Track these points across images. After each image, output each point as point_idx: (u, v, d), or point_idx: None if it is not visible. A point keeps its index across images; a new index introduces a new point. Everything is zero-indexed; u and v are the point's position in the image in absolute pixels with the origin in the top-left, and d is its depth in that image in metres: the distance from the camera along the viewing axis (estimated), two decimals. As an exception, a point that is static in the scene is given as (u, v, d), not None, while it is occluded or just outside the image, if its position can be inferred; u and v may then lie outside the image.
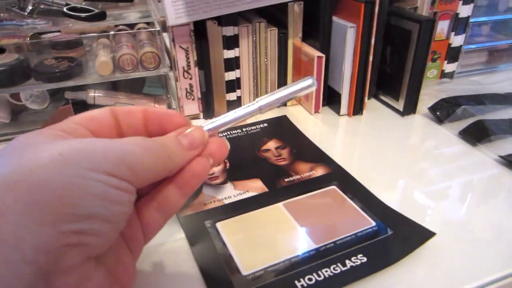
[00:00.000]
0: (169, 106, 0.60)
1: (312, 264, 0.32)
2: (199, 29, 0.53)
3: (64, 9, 0.51)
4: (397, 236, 0.35)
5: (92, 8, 0.51)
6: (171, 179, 0.28)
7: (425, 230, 0.35)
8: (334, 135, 0.55)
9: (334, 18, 0.56)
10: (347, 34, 0.53)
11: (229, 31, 0.54)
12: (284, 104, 0.62)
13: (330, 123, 0.58)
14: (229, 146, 0.31)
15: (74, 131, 0.26)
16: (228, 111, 0.60)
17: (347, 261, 0.32)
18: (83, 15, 0.50)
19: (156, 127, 0.29)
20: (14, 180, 0.20)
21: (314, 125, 0.57)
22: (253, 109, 0.32)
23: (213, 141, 0.30)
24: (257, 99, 0.32)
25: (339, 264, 0.32)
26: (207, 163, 0.29)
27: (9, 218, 0.19)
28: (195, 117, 0.58)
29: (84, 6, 0.52)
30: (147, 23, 0.63)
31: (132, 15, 0.59)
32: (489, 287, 0.32)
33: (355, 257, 0.33)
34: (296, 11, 0.56)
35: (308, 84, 0.32)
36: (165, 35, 0.56)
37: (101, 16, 0.51)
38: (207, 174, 0.30)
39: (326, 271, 0.31)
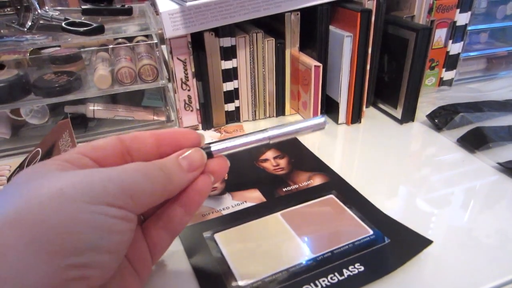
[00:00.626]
0: (168, 118, 0.60)
1: (309, 274, 0.32)
2: (197, 41, 0.53)
3: (63, 24, 0.51)
4: (394, 245, 0.35)
5: (90, 23, 0.52)
6: (175, 198, 0.29)
7: (423, 238, 0.35)
8: (333, 144, 0.55)
9: (331, 28, 0.56)
10: (344, 43, 0.53)
11: (227, 42, 0.55)
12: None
13: (328, 132, 0.58)
14: (229, 164, 0.32)
15: (78, 161, 0.26)
16: (226, 122, 0.61)
17: (344, 270, 0.32)
18: (82, 29, 0.51)
19: (170, 147, 0.30)
20: (15, 219, 0.21)
21: (313, 134, 0.57)
22: (262, 137, 0.32)
23: (215, 160, 0.31)
24: (267, 128, 0.32)
25: (336, 274, 0.32)
26: (208, 180, 0.30)
27: (10, 256, 0.20)
28: (194, 128, 0.59)
29: (82, 21, 0.53)
30: (146, 36, 0.64)
31: (131, 28, 0.59)
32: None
33: (352, 266, 0.33)
34: (293, 21, 0.56)
35: (319, 122, 0.32)
36: (163, 47, 0.56)
37: (99, 30, 0.52)
38: (209, 191, 0.30)
39: (324, 281, 0.31)
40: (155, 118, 0.59)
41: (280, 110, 0.62)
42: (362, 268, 0.32)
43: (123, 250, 0.25)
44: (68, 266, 0.21)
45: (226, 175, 0.46)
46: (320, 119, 0.32)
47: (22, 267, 0.20)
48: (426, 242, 0.35)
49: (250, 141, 0.32)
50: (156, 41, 0.54)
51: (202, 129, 0.59)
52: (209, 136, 0.57)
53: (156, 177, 0.26)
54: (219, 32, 0.53)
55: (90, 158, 0.27)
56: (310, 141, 0.54)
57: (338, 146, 0.55)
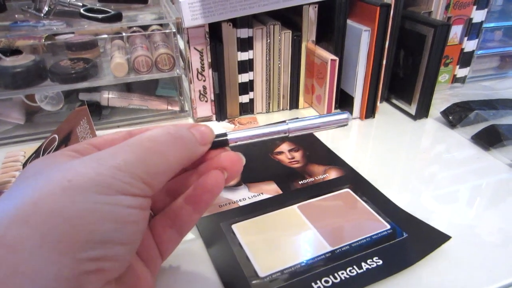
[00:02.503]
0: (182, 108, 0.60)
1: (328, 267, 0.32)
2: (214, 31, 0.53)
3: (81, 10, 0.51)
4: (412, 239, 0.35)
5: (108, 10, 0.52)
6: (184, 195, 0.28)
7: (441, 233, 0.35)
8: (346, 138, 0.55)
9: (349, 21, 0.56)
10: (362, 37, 0.53)
11: (244, 33, 0.54)
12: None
13: (342, 127, 0.58)
14: (243, 161, 0.30)
15: (88, 152, 0.25)
16: (240, 113, 0.61)
17: (363, 264, 0.33)
18: (100, 16, 0.51)
19: None
20: (27, 213, 0.20)
21: (327, 128, 0.57)
22: (280, 129, 0.31)
23: (226, 155, 0.29)
24: (286, 120, 0.31)
25: (355, 267, 0.32)
26: (220, 177, 0.28)
27: (26, 250, 0.19)
28: (208, 119, 0.59)
29: (100, 8, 0.52)
30: (160, 25, 0.63)
31: (146, 17, 0.59)
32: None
33: (371, 260, 0.33)
34: (311, 13, 0.56)
35: (342, 118, 0.31)
36: (179, 37, 0.56)
37: (118, 17, 0.52)
38: (221, 189, 0.29)
39: (342, 274, 0.32)
40: (169, 108, 0.59)
41: (294, 103, 0.62)
42: (381, 262, 0.33)
43: (138, 240, 0.24)
44: (83, 259, 0.20)
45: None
46: (343, 115, 0.32)
47: (38, 260, 0.19)
48: (445, 238, 0.35)
49: (268, 133, 0.31)
50: (174, 30, 0.54)
51: (216, 120, 0.59)
52: (222, 127, 0.57)
53: (172, 152, 0.25)
54: (236, 23, 0.53)
55: (99, 150, 0.26)
56: (323, 135, 0.54)
57: (352, 140, 0.55)
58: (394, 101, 0.64)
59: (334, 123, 0.32)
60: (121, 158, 0.23)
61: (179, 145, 0.26)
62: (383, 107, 0.63)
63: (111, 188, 0.22)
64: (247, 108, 0.60)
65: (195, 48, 0.53)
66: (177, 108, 0.60)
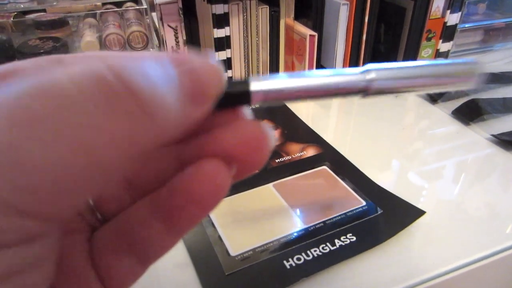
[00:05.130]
0: (159, 87, 0.58)
1: (301, 244, 0.32)
2: (188, 7, 0.51)
3: (48, -13, 0.49)
4: (387, 215, 0.35)
5: (76, -14, 0.50)
6: (155, 208, 0.15)
7: (415, 208, 0.35)
8: (327, 115, 0.55)
9: (327, -4, 0.54)
10: (340, 11, 0.52)
11: (219, 9, 0.53)
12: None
13: (322, 104, 0.57)
14: (273, 140, 0.15)
15: None
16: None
17: (336, 241, 0.32)
18: (67, -8, 0.49)
19: None
20: None
21: (307, 106, 0.56)
22: (356, 79, 0.15)
23: (240, 130, 0.14)
24: (366, 66, 0.15)
25: (328, 244, 0.32)
26: (221, 175, 0.14)
27: None
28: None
29: (68, -16, 0.50)
30: (136, 2, 0.61)
31: (119, -7, 0.57)
32: (480, 263, 0.32)
33: (344, 237, 0.32)
34: (287, -12, 0.54)
35: (470, 70, 0.16)
36: (153, 14, 0.54)
37: (86, -7, 0.50)
38: (222, 197, 0.14)
39: (315, 251, 0.31)
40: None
41: (273, 81, 0.61)
42: (354, 239, 0.32)
43: None
44: None
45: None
46: (472, 65, 0.16)
47: None
48: (419, 213, 0.35)
49: (335, 86, 0.15)
50: (145, 7, 0.52)
51: (194, 99, 0.57)
52: (200, 106, 0.56)
53: (104, 112, 0.10)
54: (211, -2, 0.51)
55: None
56: (304, 113, 0.53)
57: (332, 117, 0.55)
58: (376, 77, 0.63)
59: (456, 80, 0.16)
60: None
61: (130, 106, 0.11)
62: (364, 84, 0.62)
63: None
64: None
65: (168, 25, 0.52)
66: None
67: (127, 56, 0.12)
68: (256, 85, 0.14)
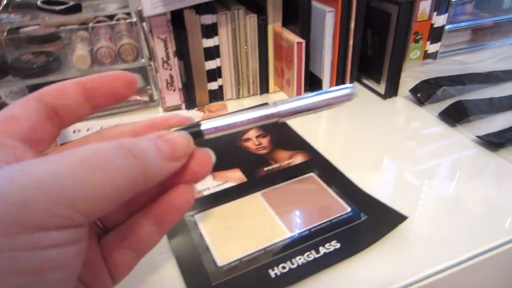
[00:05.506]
0: (151, 98, 0.59)
1: (286, 253, 0.33)
2: (177, 18, 0.52)
3: (38, 3, 0.50)
4: (370, 221, 0.36)
5: (66, 1, 0.51)
6: (147, 212, 0.22)
7: (398, 214, 0.36)
8: (316, 120, 0.56)
9: (314, 3, 0.55)
10: (326, 18, 0.53)
11: (208, 19, 0.54)
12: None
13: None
14: (214, 159, 0.23)
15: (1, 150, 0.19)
16: (210, 101, 0.61)
17: (320, 248, 0.33)
18: (57, 8, 0.50)
19: (103, 98, 0.23)
20: None
21: (296, 112, 0.57)
22: (269, 113, 0.24)
23: (195, 156, 0.22)
24: (276, 102, 0.24)
25: (313, 251, 0.33)
26: (190, 194, 0.22)
27: None
28: (177, 108, 0.59)
29: (58, -1, 0.51)
30: (128, 14, 0.62)
31: (111, 6, 0.58)
32: (462, 266, 0.33)
33: (329, 244, 0.34)
34: (274, -4, 0.55)
35: (344, 94, 0.25)
36: (144, 25, 0.55)
37: (76, 8, 0.51)
38: (191, 205, 0.23)
39: (300, 259, 0.32)
40: (138, 98, 0.59)
41: (264, 88, 0.62)
42: (338, 245, 0.33)
43: (70, 283, 0.18)
44: None
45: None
46: (345, 90, 0.25)
47: None
48: (401, 218, 0.36)
49: (254, 118, 0.24)
50: (135, 20, 0.53)
51: (186, 108, 0.59)
52: (192, 115, 0.57)
53: (122, 170, 0.18)
54: (199, 9, 0.52)
55: (14, 139, 0.20)
56: (293, 120, 0.54)
57: (322, 122, 0.56)
58: (365, 81, 0.64)
59: (336, 100, 0.25)
60: (37, 174, 0.16)
61: (135, 161, 0.18)
62: (354, 87, 0.63)
63: (20, 223, 0.15)
64: (217, 95, 0.60)
65: (158, 37, 0.53)
66: (146, 98, 0.59)
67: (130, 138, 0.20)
68: (204, 125, 0.23)
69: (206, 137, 0.23)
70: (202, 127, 0.23)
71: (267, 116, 0.24)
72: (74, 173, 0.16)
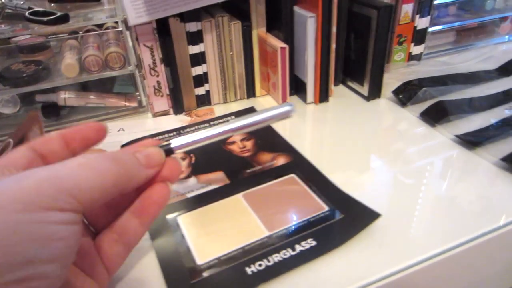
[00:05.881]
0: (140, 104, 0.61)
1: (263, 251, 0.34)
2: (163, 26, 0.54)
3: (26, 14, 0.52)
4: (346, 219, 0.37)
5: (54, 11, 0.52)
6: (130, 208, 0.29)
7: (372, 212, 0.37)
8: (301, 123, 0.57)
9: (296, 8, 0.57)
10: (308, 24, 0.54)
11: (193, 26, 0.55)
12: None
13: (297, 112, 0.59)
14: (182, 168, 0.32)
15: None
16: (198, 106, 0.62)
17: (297, 246, 0.34)
18: (45, 19, 0.51)
19: (79, 143, 0.29)
20: None
21: (281, 115, 0.58)
22: (225, 129, 0.32)
23: (167, 165, 0.30)
24: (231, 120, 0.33)
25: (289, 249, 0.34)
26: (166, 190, 0.30)
27: None
28: (165, 113, 0.60)
29: (46, 10, 0.53)
30: (116, 23, 0.64)
31: (99, 15, 0.59)
32: (431, 261, 0.34)
33: (305, 242, 0.35)
34: (258, 2, 0.56)
35: (285, 111, 0.33)
36: (128, 33, 0.57)
37: (64, 18, 0.52)
38: (167, 201, 0.30)
39: (276, 257, 0.33)
40: (127, 104, 0.60)
41: (250, 92, 0.63)
42: (314, 243, 0.35)
43: (69, 256, 0.23)
44: (9, 281, 0.20)
45: (194, 158, 0.48)
46: (285, 107, 0.33)
47: None
48: (375, 216, 0.37)
49: (212, 135, 0.32)
50: (120, 29, 0.54)
51: (174, 113, 0.60)
52: (180, 120, 0.58)
53: (108, 170, 0.25)
54: (184, 17, 0.54)
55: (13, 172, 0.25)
56: (279, 122, 0.55)
57: (307, 125, 0.57)
58: (349, 83, 0.65)
59: (277, 116, 0.33)
60: (46, 170, 0.23)
61: (117, 164, 0.26)
62: (339, 90, 0.65)
63: (35, 204, 0.21)
64: (204, 100, 0.61)
65: (144, 45, 0.54)
66: (135, 104, 0.61)
67: (119, 157, 0.27)
68: (174, 143, 0.32)
69: (177, 151, 0.32)
70: (172, 145, 0.31)
71: (222, 132, 0.32)
72: (73, 171, 0.23)
